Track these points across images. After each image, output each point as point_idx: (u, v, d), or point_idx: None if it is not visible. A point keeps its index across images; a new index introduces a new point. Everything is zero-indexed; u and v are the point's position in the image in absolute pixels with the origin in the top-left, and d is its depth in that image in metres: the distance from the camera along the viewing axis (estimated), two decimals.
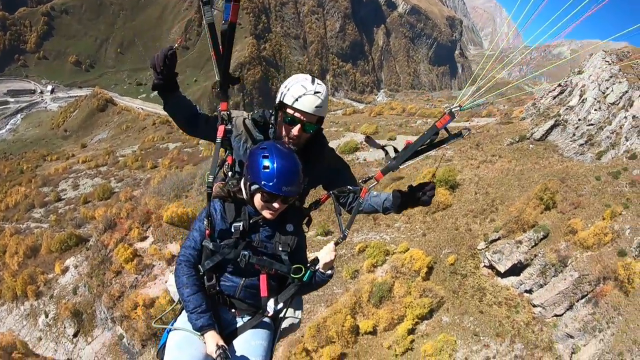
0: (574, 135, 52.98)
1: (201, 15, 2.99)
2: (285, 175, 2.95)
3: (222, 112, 3.25)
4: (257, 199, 3.10)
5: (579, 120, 53.88)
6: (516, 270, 33.88)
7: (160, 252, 40.42)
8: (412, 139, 3.47)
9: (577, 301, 32.46)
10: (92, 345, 38.02)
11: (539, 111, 60.00)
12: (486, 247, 35.32)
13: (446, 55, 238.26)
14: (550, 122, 55.77)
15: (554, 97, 61.23)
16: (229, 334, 3.27)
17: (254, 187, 3.05)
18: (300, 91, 3.15)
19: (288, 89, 3.22)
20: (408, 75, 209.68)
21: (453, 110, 2.99)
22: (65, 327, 39.34)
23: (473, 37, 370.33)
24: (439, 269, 35.16)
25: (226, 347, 2.95)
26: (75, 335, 38.87)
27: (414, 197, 3.46)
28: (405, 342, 31.30)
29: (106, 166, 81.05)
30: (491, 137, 56.41)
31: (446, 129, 3.14)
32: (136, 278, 38.97)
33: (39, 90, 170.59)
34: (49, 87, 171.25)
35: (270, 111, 3.50)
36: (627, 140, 47.51)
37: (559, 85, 62.48)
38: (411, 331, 32.23)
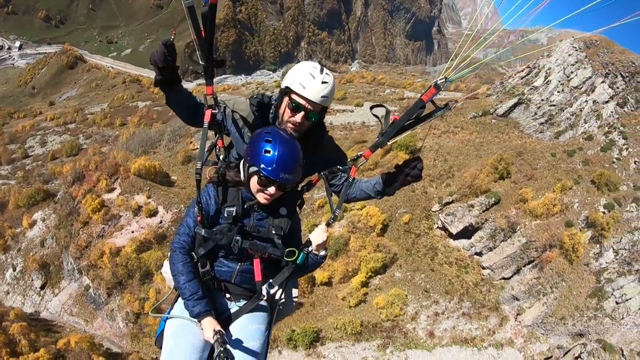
0: (535, 114, 54.97)
1: None
2: (285, 162, 2.95)
3: (207, 96, 3.26)
4: (254, 182, 3.08)
5: (542, 100, 55.90)
6: (467, 233, 35.73)
7: (127, 203, 40.79)
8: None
9: (524, 266, 34.54)
10: (59, 297, 38.41)
11: (505, 89, 62.18)
12: (440, 209, 37.09)
13: (423, 31, 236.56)
14: (514, 100, 57.64)
15: (522, 78, 62.96)
16: (225, 319, 3.30)
17: (252, 169, 3.03)
18: (308, 80, 3.15)
19: (296, 76, 3.20)
20: (384, 47, 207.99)
21: (439, 82, 2.98)
22: (32, 280, 39.49)
23: (452, 16, 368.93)
24: (393, 227, 36.79)
25: (223, 332, 2.96)
26: (42, 287, 39.12)
27: (403, 175, 3.47)
28: (358, 294, 32.92)
29: (74, 123, 79.82)
30: (456, 109, 58.13)
31: (433, 102, 3.13)
32: (103, 228, 39.32)
33: (6, 47, 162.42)
34: (17, 43, 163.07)
35: (270, 95, 3.53)
36: (585, 123, 49.91)
37: (528, 67, 64.48)
38: (365, 284, 33.83)
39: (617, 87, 52.08)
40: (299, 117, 3.22)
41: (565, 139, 49.34)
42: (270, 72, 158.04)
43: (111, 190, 42.51)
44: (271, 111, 3.42)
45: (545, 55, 63.30)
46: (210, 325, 2.99)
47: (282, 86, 3.27)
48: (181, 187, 46.25)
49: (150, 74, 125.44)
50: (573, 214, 35.14)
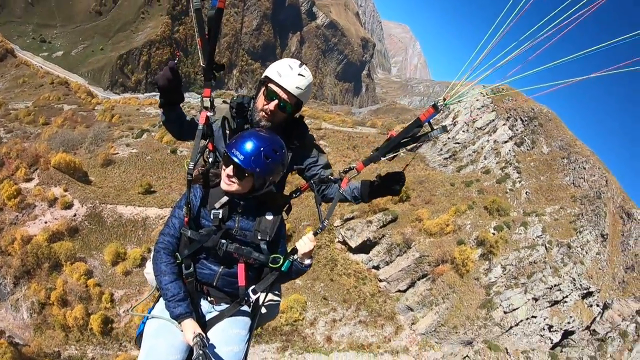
0: (441, 150, 60.50)
1: None
2: (241, 143, 2.93)
3: (204, 98, 3.28)
4: (222, 167, 3.12)
5: (448, 138, 61.50)
6: (366, 247, 38.24)
7: (44, 194, 40.69)
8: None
9: (419, 279, 37.41)
10: None
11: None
12: (341, 224, 39.88)
13: (353, 73, 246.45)
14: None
15: (436, 122, 68.83)
16: (206, 322, 3.25)
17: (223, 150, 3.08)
18: (285, 69, 3.24)
19: (275, 66, 3.31)
20: (313, 85, 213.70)
21: (437, 104, 2.99)
22: None
23: (383, 62, 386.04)
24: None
25: (203, 335, 2.94)
26: None
27: (384, 186, 3.52)
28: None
29: None
30: (369, 142, 61.99)
31: (429, 123, 3.12)
32: (17, 216, 38.94)
33: None
34: None
35: (250, 96, 3.56)
36: (485, 159, 55.48)
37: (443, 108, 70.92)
38: None
39: (517, 129, 58.02)
40: (272, 104, 3.28)
41: (465, 172, 54.13)
42: (199, 96, 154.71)
43: (29, 180, 42.33)
44: (249, 109, 3.49)
45: (445, 89, 69.51)
46: (190, 327, 2.98)
47: (262, 76, 3.37)
48: (98, 187, 46.29)
49: (78, 79, 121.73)
50: (465, 233, 38.88)
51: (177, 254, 3.20)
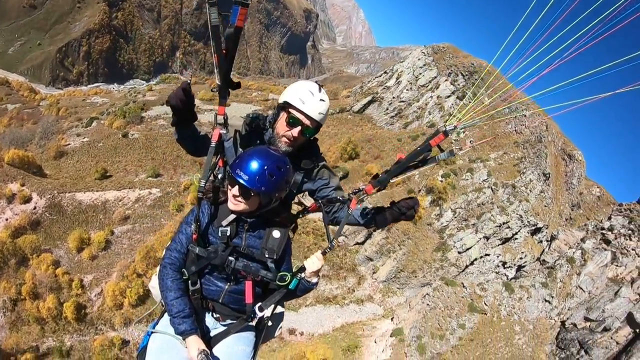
0: (387, 109, 62.45)
1: None
2: (245, 162, 2.90)
3: (219, 116, 3.19)
4: (228, 187, 3.08)
5: (393, 97, 63.66)
6: None
7: (1, 191, 40.63)
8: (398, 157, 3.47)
9: (374, 230, 39.32)
10: None
11: (362, 90, 70.26)
12: None
13: (298, 46, 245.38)
14: (369, 98, 64.96)
15: (379, 81, 71.04)
16: (211, 338, 3.25)
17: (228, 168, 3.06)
18: (308, 96, 3.23)
19: (296, 92, 3.28)
20: (258, 60, 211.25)
21: (448, 129, 2.97)
22: None
23: (327, 32, 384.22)
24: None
25: (208, 352, 2.97)
26: None
27: (398, 213, 3.43)
28: None
29: None
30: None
31: (439, 147, 3.09)
32: None
33: None
34: None
35: (265, 115, 3.54)
36: (429, 114, 57.63)
37: (385, 72, 73.15)
38: None
39: (458, 84, 60.48)
40: (295, 131, 3.26)
41: (412, 128, 56.39)
42: (144, 82, 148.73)
43: None
44: (265, 128, 3.46)
45: (399, 61, 71.91)
46: (195, 344, 2.98)
47: (280, 101, 3.34)
48: (54, 179, 45.98)
49: (19, 78, 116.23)
50: (414, 183, 40.90)
51: (183, 270, 3.17)
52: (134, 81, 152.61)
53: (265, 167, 2.88)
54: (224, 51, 2.85)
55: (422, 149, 3.06)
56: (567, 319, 37.36)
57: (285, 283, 3.11)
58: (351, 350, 32.92)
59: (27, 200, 40.76)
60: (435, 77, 63.93)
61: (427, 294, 35.73)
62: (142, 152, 55.20)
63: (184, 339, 3.02)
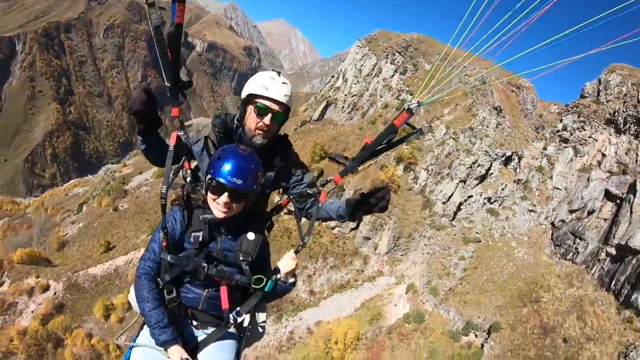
0: (343, 107, 66.33)
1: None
2: (234, 166, 2.76)
3: (174, 118, 3.09)
4: (210, 196, 2.90)
5: (345, 95, 67.70)
6: None
7: (20, 288, 43.45)
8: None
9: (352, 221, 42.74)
10: None
11: (317, 99, 74.71)
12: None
13: None
14: (324, 103, 69.41)
15: (331, 87, 75.05)
16: (193, 347, 3.11)
17: (207, 178, 2.85)
18: (269, 82, 3.10)
19: (257, 81, 3.14)
20: (216, 109, 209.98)
21: (412, 106, 2.85)
22: None
23: (273, 61, 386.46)
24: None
25: None
26: None
27: (369, 204, 3.32)
28: None
29: None
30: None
31: (408, 124, 3.02)
32: (4, 319, 41.21)
33: None
34: None
35: (233, 115, 3.40)
36: (381, 97, 61.40)
37: (332, 76, 77.46)
38: None
39: (397, 62, 64.20)
40: (267, 119, 3.12)
41: (369, 114, 60.07)
42: (116, 165, 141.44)
43: (1, 284, 44.99)
44: (235, 128, 3.33)
45: (340, 62, 76.11)
46: (177, 353, 2.86)
47: (244, 96, 3.20)
48: (65, 265, 49.20)
49: None
50: (384, 158, 44.09)
51: (158, 279, 3.03)
52: (106, 167, 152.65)
53: (252, 165, 2.84)
54: (169, 51, 2.75)
55: (388, 130, 3.06)
56: (555, 218, 40.58)
57: (261, 286, 3.01)
58: (376, 319, 35.49)
59: (46, 289, 43.79)
60: (376, 64, 67.80)
61: (426, 244, 38.77)
62: (136, 218, 58.38)
63: (165, 350, 2.93)
